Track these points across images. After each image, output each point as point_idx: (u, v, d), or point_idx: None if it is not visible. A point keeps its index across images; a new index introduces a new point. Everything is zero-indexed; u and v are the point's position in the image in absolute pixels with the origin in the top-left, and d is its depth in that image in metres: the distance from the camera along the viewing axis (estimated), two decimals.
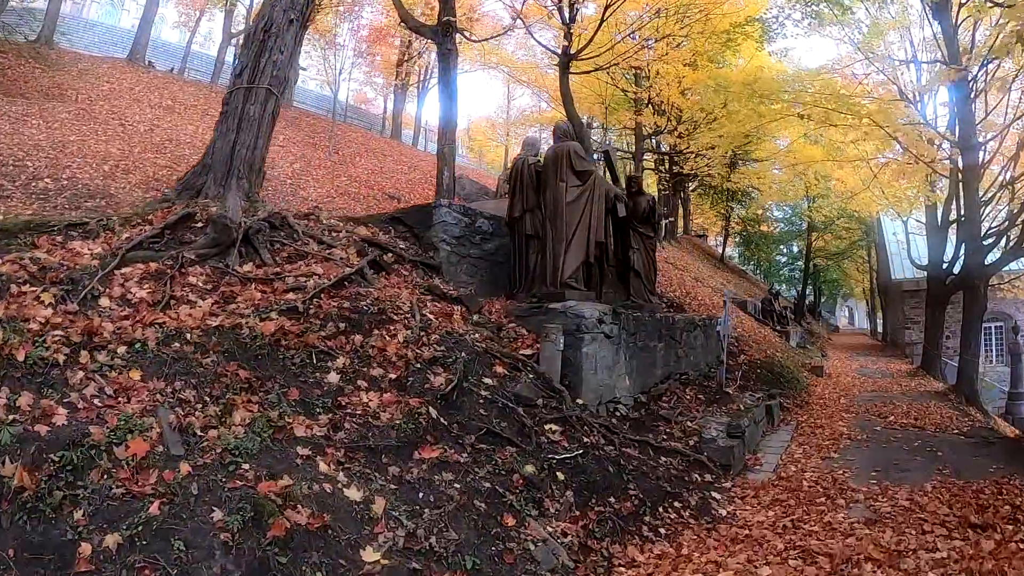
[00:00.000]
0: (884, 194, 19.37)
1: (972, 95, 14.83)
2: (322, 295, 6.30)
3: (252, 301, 6.00)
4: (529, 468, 5.13)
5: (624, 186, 10.96)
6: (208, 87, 25.71)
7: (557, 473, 5.31)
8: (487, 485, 4.73)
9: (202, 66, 31.79)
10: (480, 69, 32.14)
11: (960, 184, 15.72)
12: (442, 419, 5.21)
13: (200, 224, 7.24)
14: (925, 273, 19.40)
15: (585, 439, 5.97)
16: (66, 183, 10.61)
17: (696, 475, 6.53)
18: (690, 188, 34.38)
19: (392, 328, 6.21)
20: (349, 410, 4.96)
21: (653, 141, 27.34)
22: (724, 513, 5.88)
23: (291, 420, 4.46)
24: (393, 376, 5.55)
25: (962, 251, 16.19)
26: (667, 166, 29.08)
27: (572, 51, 16.47)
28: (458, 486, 4.58)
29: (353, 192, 18.46)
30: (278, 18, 8.32)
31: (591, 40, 16.76)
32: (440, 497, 4.39)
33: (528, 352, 6.99)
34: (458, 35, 13.27)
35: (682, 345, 10.62)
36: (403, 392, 5.39)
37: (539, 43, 19.76)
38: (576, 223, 7.92)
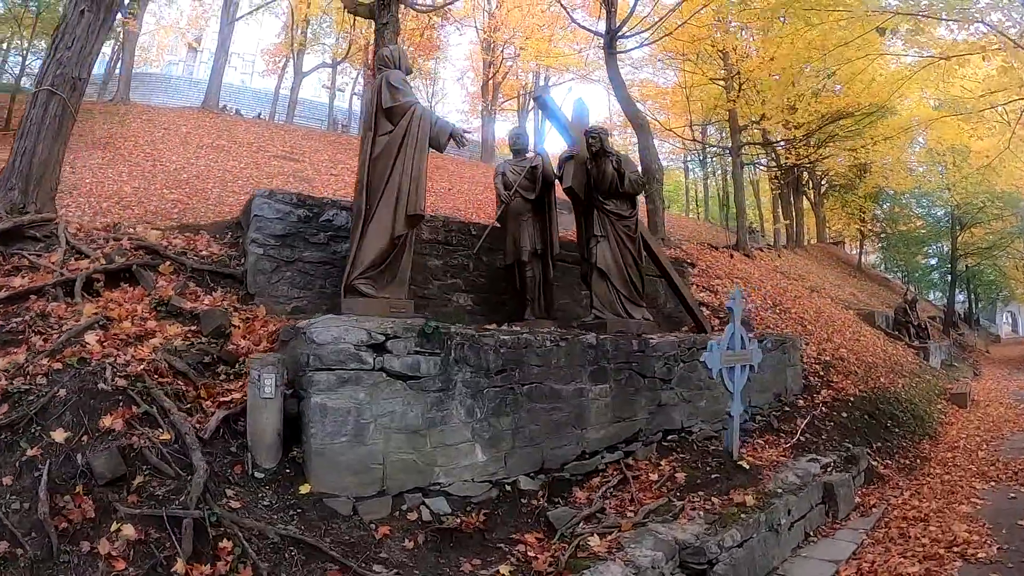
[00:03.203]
0: None
1: None
2: None
3: None
4: None
5: (585, 145, 7.06)
6: (280, 127, 25.01)
7: None
8: None
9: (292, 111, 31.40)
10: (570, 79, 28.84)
11: None
12: None
13: None
14: None
15: None
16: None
17: None
18: (818, 190, 29.19)
19: None
20: None
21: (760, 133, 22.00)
22: None
23: None
24: None
25: None
26: (777, 162, 23.65)
27: (615, 26, 12.99)
28: None
29: None
30: (69, 11, 6.57)
31: (632, 10, 13.19)
32: None
33: (230, 399, 3.77)
34: (401, 5, 10.33)
35: (673, 384, 6.50)
36: None
37: (575, 21, 16.18)
38: (382, 189, 4.38)
